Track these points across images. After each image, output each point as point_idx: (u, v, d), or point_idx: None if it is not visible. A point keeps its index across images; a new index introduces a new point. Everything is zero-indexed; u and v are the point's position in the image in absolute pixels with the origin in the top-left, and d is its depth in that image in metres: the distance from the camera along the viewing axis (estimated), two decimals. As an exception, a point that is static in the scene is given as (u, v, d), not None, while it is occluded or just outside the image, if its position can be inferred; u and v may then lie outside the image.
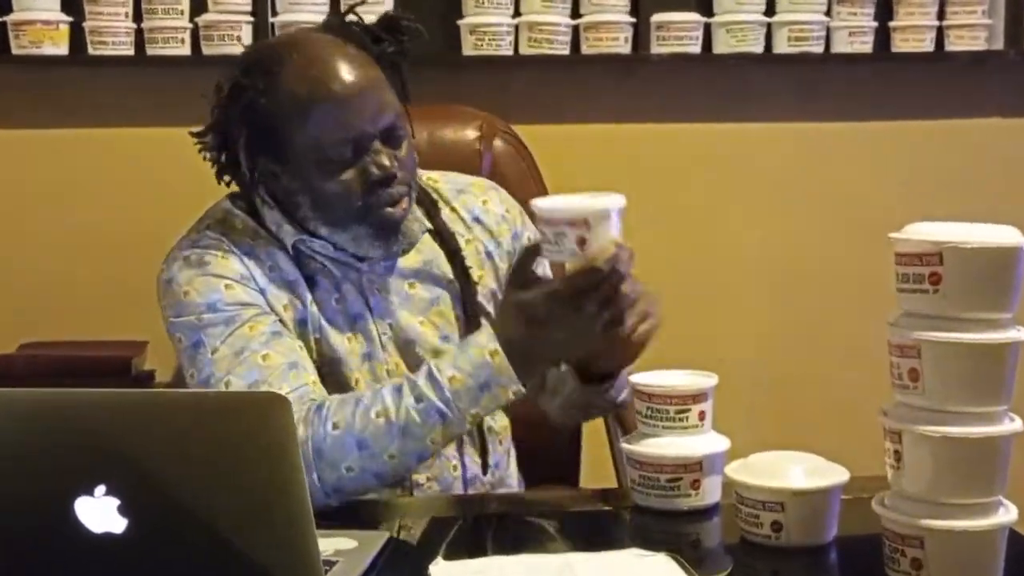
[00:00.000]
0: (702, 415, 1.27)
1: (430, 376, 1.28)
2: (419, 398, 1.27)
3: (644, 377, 1.30)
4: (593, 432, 1.79)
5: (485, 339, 1.28)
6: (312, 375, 1.37)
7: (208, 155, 1.43)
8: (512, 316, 1.28)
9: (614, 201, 1.26)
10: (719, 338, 2.44)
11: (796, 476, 1.19)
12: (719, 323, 2.48)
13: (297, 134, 1.37)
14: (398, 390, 1.29)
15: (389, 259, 1.46)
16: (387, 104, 1.39)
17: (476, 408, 1.27)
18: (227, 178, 1.46)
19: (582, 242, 1.23)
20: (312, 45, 1.41)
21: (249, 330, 1.36)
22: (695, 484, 1.26)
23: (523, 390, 1.27)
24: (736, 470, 1.21)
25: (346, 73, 1.37)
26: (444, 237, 1.49)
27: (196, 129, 1.44)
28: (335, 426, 1.28)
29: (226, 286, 1.38)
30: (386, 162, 1.37)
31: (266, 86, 1.38)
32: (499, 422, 1.54)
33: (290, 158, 1.39)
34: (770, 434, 1.49)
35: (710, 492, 1.27)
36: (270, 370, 1.34)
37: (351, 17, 1.45)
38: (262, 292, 1.40)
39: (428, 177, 1.55)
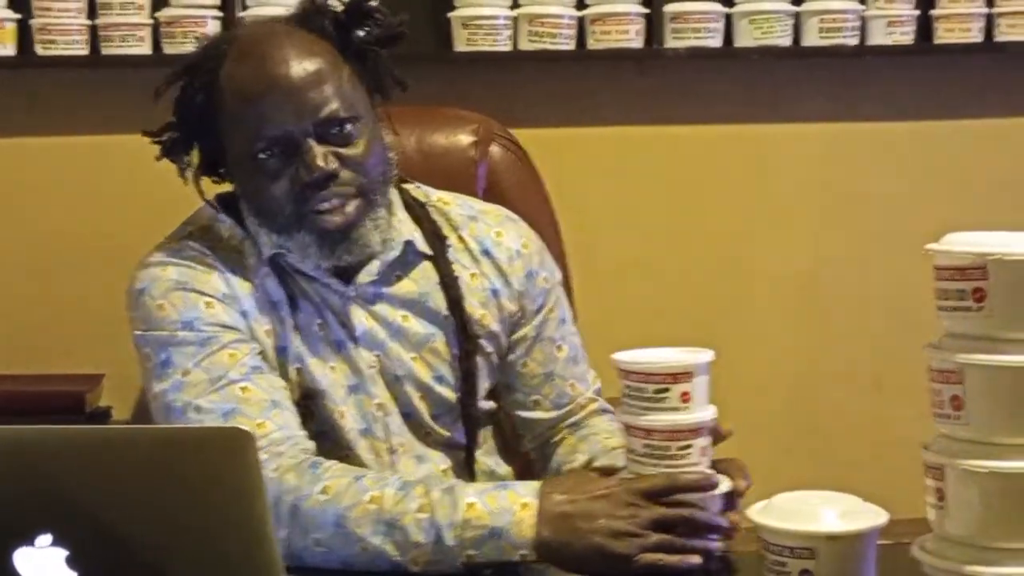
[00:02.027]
0: (685, 396, 1.27)
1: (449, 491, 1.27)
2: (424, 508, 1.26)
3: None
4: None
5: (525, 489, 1.27)
6: (297, 419, 1.38)
7: (168, 158, 1.46)
8: (569, 482, 1.29)
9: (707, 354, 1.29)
10: (743, 360, 2.44)
11: (829, 518, 1.18)
12: (743, 344, 2.48)
13: (231, 130, 1.42)
14: (407, 487, 1.28)
15: (378, 284, 1.46)
16: (326, 98, 1.39)
17: (476, 551, 1.25)
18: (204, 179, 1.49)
19: (686, 398, 1.26)
20: (251, 39, 1.45)
21: (229, 357, 1.37)
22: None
23: (532, 556, 1.24)
24: (760, 512, 1.21)
25: (276, 67, 1.39)
26: (442, 269, 1.49)
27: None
28: (324, 491, 1.29)
29: (206, 304, 1.40)
30: (319, 162, 1.38)
31: (204, 82, 1.43)
32: (503, 468, 1.56)
33: (230, 156, 1.44)
34: (799, 472, 1.49)
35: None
36: (249, 403, 1.35)
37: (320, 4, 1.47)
38: (244, 315, 1.41)
39: (439, 199, 1.55)
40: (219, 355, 1.37)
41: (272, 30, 1.46)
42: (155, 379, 1.39)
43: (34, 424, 0.98)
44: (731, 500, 1.29)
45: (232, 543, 0.90)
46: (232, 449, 0.89)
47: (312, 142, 1.38)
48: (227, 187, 1.51)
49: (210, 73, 1.42)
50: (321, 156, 1.38)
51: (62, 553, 0.90)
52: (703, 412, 1.28)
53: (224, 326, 1.39)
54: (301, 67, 1.40)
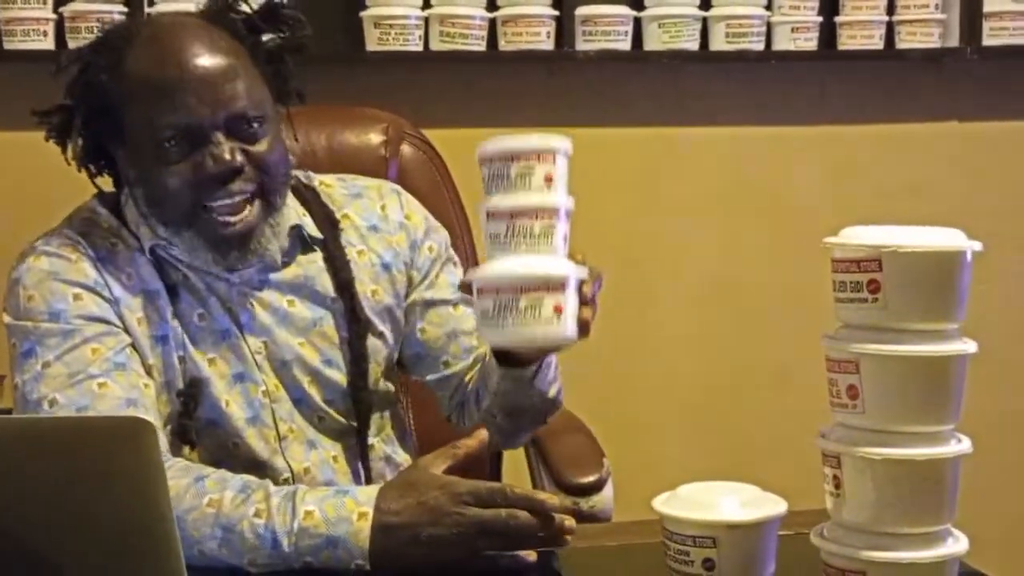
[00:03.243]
0: (548, 178, 1.23)
1: (289, 498, 1.26)
2: (261, 514, 1.25)
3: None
4: (513, 463, 1.81)
5: (364, 497, 1.25)
6: (155, 417, 1.36)
7: (55, 139, 1.44)
8: (402, 488, 1.26)
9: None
10: (651, 358, 2.47)
11: (729, 508, 1.19)
12: (651, 343, 2.51)
13: (134, 115, 1.39)
14: (247, 490, 1.27)
15: (263, 271, 1.46)
16: (238, 94, 1.39)
17: (313, 559, 1.24)
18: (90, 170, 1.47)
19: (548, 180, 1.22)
20: (165, 26, 1.44)
21: (91, 352, 1.36)
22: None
23: (366, 567, 1.23)
24: (664, 502, 1.22)
25: (192, 56, 1.38)
26: (331, 254, 1.49)
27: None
28: None
29: (75, 296, 1.38)
30: (226, 155, 1.37)
31: (109, 63, 1.40)
32: (400, 455, 1.55)
33: (128, 141, 1.41)
34: (705, 464, 1.51)
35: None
36: (103, 399, 1.34)
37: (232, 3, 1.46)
38: (115, 302, 1.40)
39: (322, 182, 1.55)
40: (82, 349, 1.36)
41: (185, 21, 1.44)
42: (17, 369, 1.38)
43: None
44: (582, 294, 1.26)
45: (133, 533, 0.89)
46: (131, 438, 0.87)
47: (220, 135, 1.37)
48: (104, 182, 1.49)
49: (115, 54, 1.40)
50: (228, 150, 1.37)
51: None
52: (564, 197, 1.25)
53: (91, 318, 1.38)
54: (215, 60, 1.39)
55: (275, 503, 1.25)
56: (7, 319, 1.40)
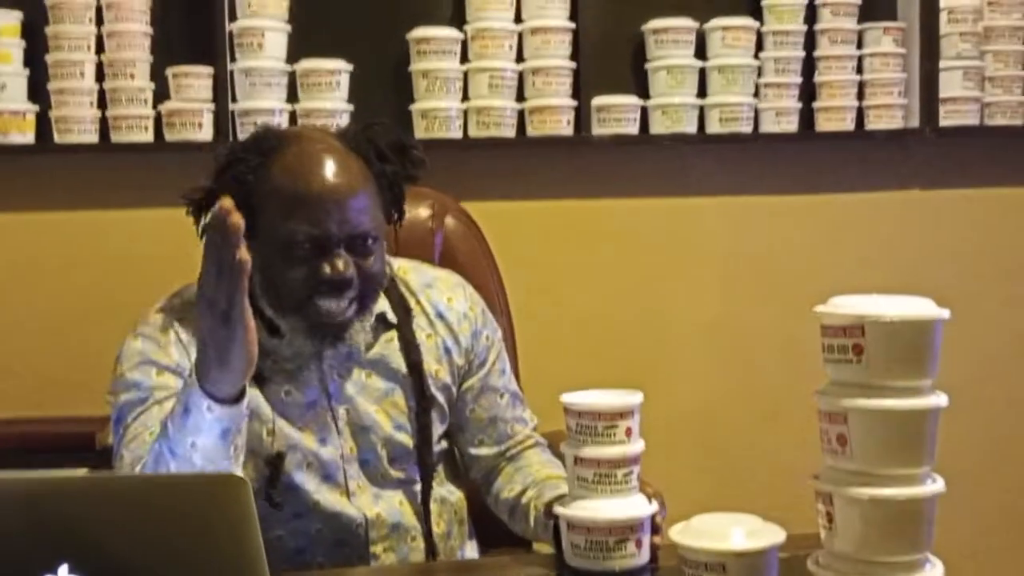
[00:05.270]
0: (628, 431, 1.28)
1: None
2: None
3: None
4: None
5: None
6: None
7: (192, 215, 1.42)
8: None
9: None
10: (662, 397, 2.45)
11: (736, 537, 1.18)
12: (662, 383, 2.49)
13: (270, 216, 1.37)
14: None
15: (351, 351, 1.45)
16: (362, 215, 1.38)
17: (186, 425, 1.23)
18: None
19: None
20: (311, 142, 1.42)
21: (157, 410, 1.35)
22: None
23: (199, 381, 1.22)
24: (680, 532, 1.21)
25: (331, 176, 1.37)
26: (404, 336, 1.48)
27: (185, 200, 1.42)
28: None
29: (157, 372, 1.38)
30: (341, 266, 1.36)
31: (258, 164, 1.39)
32: (454, 495, 1.54)
33: (259, 235, 1.38)
34: (708, 492, 1.50)
35: (646, 551, 1.28)
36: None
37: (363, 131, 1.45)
38: None
39: (399, 267, 1.54)
40: (152, 408, 1.36)
41: (330, 144, 1.42)
42: (112, 435, 1.39)
43: (49, 462, 0.96)
44: (654, 523, 1.29)
45: (228, 574, 0.88)
46: (228, 493, 0.87)
47: (341, 249, 1.37)
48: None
49: (263, 157, 1.39)
50: (344, 263, 1.37)
51: (80, 584, 0.88)
52: (639, 444, 1.29)
53: (166, 388, 1.37)
54: (350, 182, 1.38)
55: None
56: (108, 394, 1.40)
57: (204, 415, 1.22)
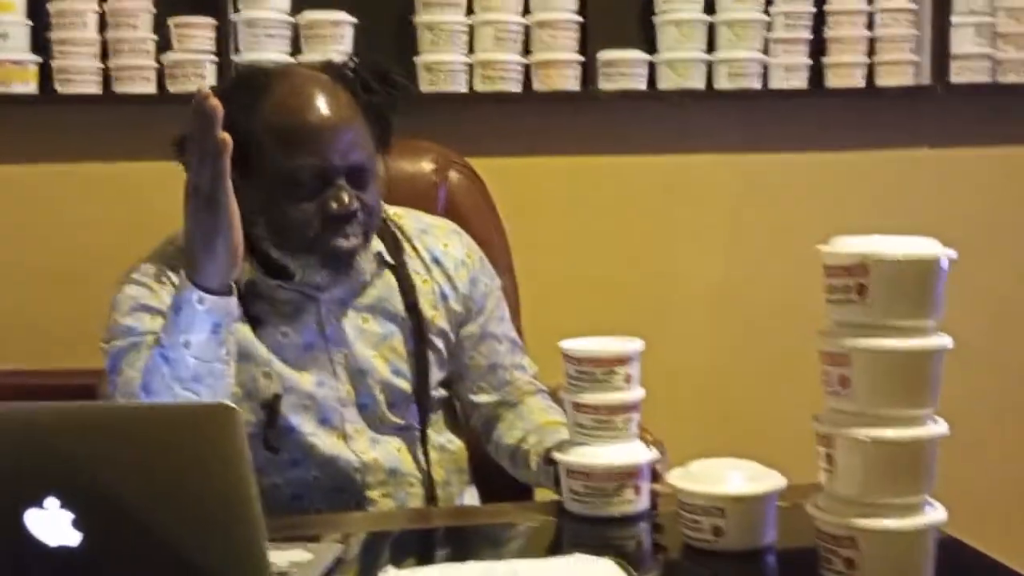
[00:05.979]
0: (628, 378, 1.28)
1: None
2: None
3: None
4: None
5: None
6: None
7: (184, 163, 1.38)
8: None
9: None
10: (666, 353, 2.43)
11: (735, 482, 1.18)
12: (667, 340, 2.47)
13: (269, 155, 1.36)
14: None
15: (346, 293, 1.44)
16: (359, 145, 1.37)
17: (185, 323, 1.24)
18: None
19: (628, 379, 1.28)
20: (299, 77, 1.41)
21: (152, 340, 1.33)
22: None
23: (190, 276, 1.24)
24: (678, 477, 1.20)
25: (325, 108, 1.37)
26: (401, 277, 1.47)
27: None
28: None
29: (150, 317, 1.36)
30: (346, 199, 1.36)
31: (248, 103, 1.37)
32: (454, 443, 1.53)
33: (257, 176, 1.37)
34: (711, 443, 1.48)
35: (645, 498, 1.28)
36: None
37: (348, 63, 1.44)
38: None
39: (394, 213, 1.53)
40: (144, 352, 1.34)
41: (318, 77, 1.41)
42: (106, 380, 1.38)
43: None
44: (654, 472, 1.28)
45: (218, 505, 0.87)
46: (216, 423, 0.86)
47: (343, 181, 1.36)
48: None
49: (252, 96, 1.37)
50: (348, 196, 1.36)
51: (69, 516, 0.87)
52: (639, 391, 1.29)
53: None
54: (344, 114, 1.37)
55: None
56: (101, 342, 1.39)
57: (195, 308, 1.24)
